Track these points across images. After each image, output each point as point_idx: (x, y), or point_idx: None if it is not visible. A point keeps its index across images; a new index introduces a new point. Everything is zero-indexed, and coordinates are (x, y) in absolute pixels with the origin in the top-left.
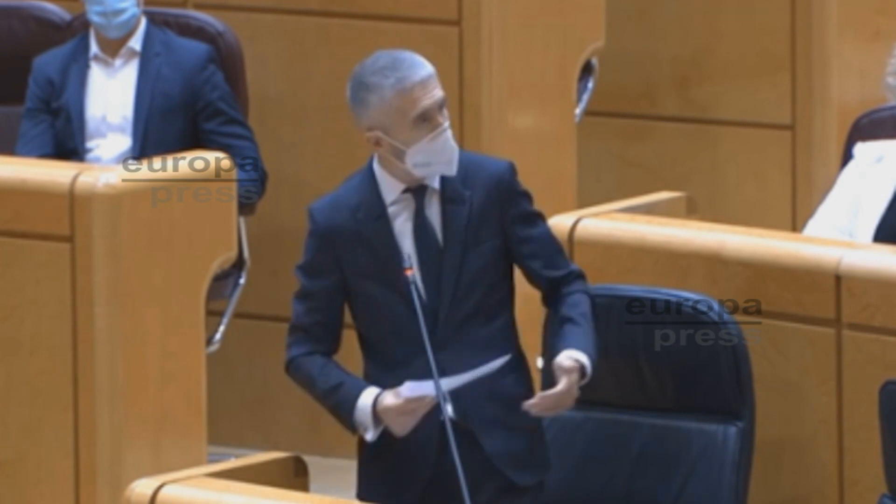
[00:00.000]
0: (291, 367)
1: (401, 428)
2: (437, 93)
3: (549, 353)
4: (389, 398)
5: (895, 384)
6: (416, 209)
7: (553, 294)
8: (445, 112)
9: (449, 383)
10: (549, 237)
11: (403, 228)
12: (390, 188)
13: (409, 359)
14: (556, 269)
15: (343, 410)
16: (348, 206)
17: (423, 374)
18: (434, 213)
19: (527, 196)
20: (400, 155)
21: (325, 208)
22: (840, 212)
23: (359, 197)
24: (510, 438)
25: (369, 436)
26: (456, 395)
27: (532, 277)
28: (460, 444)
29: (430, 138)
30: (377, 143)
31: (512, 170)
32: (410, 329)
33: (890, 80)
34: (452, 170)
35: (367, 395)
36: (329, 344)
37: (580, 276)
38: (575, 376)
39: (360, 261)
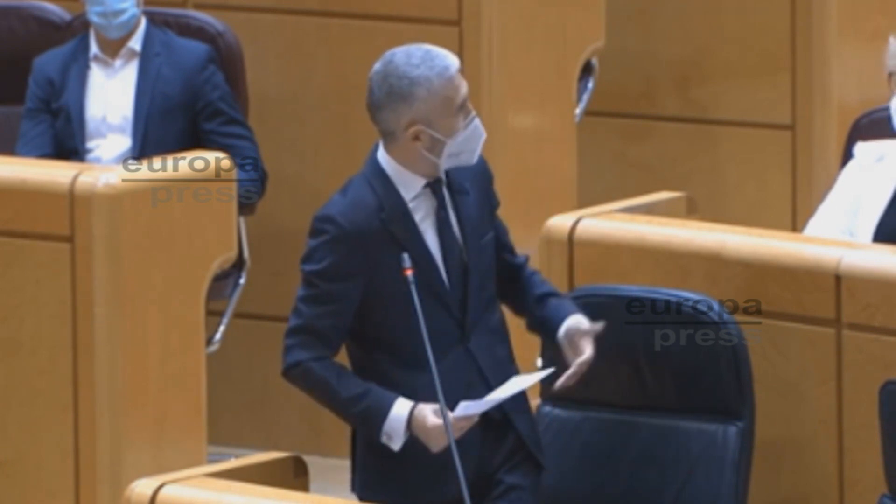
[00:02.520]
0: (297, 371)
1: (437, 445)
2: (465, 81)
3: (540, 326)
4: (432, 416)
5: (895, 384)
6: (438, 203)
7: (516, 278)
8: None
9: (481, 405)
10: (503, 224)
11: (424, 225)
12: (409, 184)
13: (436, 356)
14: (517, 256)
15: (371, 418)
16: (370, 206)
17: (452, 371)
18: (448, 205)
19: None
20: (438, 147)
21: (348, 211)
22: (840, 211)
23: (376, 197)
24: (530, 422)
25: (395, 445)
26: (489, 387)
27: (502, 266)
28: (498, 426)
29: (465, 125)
30: (417, 137)
31: (486, 160)
32: (437, 325)
33: (892, 49)
34: (475, 158)
35: (402, 407)
36: (337, 347)
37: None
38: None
39: (388, 260)
